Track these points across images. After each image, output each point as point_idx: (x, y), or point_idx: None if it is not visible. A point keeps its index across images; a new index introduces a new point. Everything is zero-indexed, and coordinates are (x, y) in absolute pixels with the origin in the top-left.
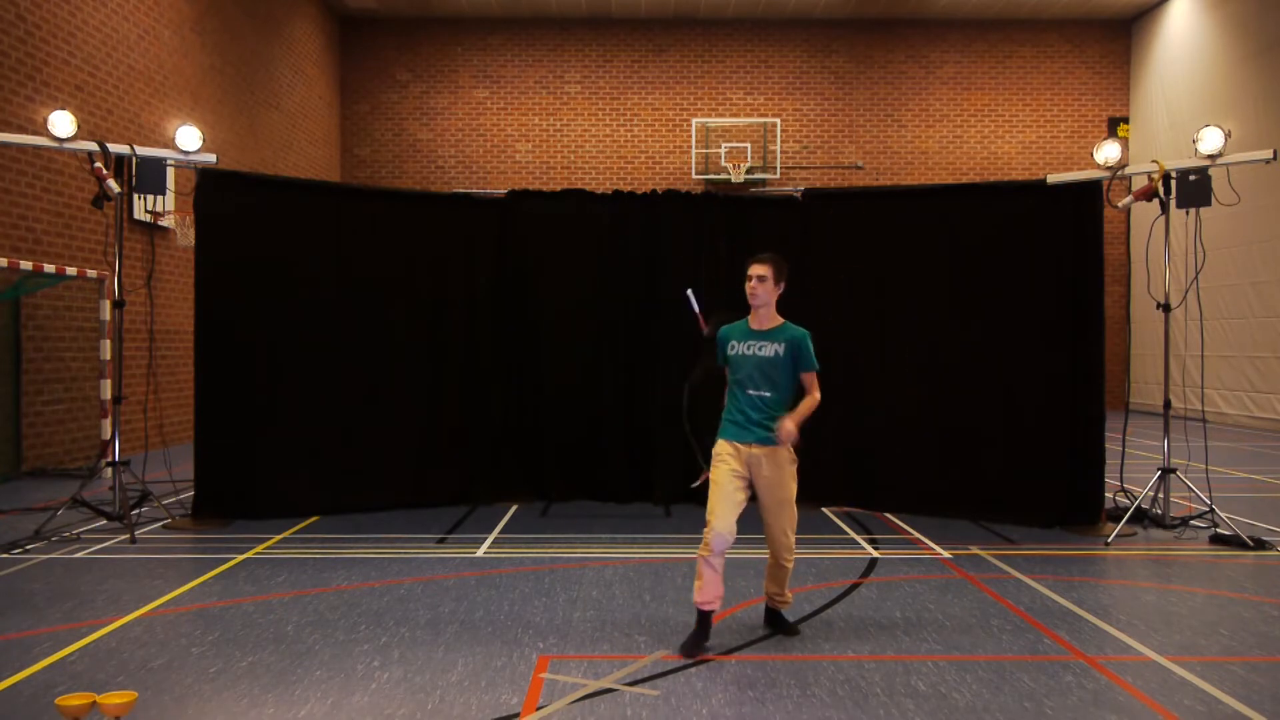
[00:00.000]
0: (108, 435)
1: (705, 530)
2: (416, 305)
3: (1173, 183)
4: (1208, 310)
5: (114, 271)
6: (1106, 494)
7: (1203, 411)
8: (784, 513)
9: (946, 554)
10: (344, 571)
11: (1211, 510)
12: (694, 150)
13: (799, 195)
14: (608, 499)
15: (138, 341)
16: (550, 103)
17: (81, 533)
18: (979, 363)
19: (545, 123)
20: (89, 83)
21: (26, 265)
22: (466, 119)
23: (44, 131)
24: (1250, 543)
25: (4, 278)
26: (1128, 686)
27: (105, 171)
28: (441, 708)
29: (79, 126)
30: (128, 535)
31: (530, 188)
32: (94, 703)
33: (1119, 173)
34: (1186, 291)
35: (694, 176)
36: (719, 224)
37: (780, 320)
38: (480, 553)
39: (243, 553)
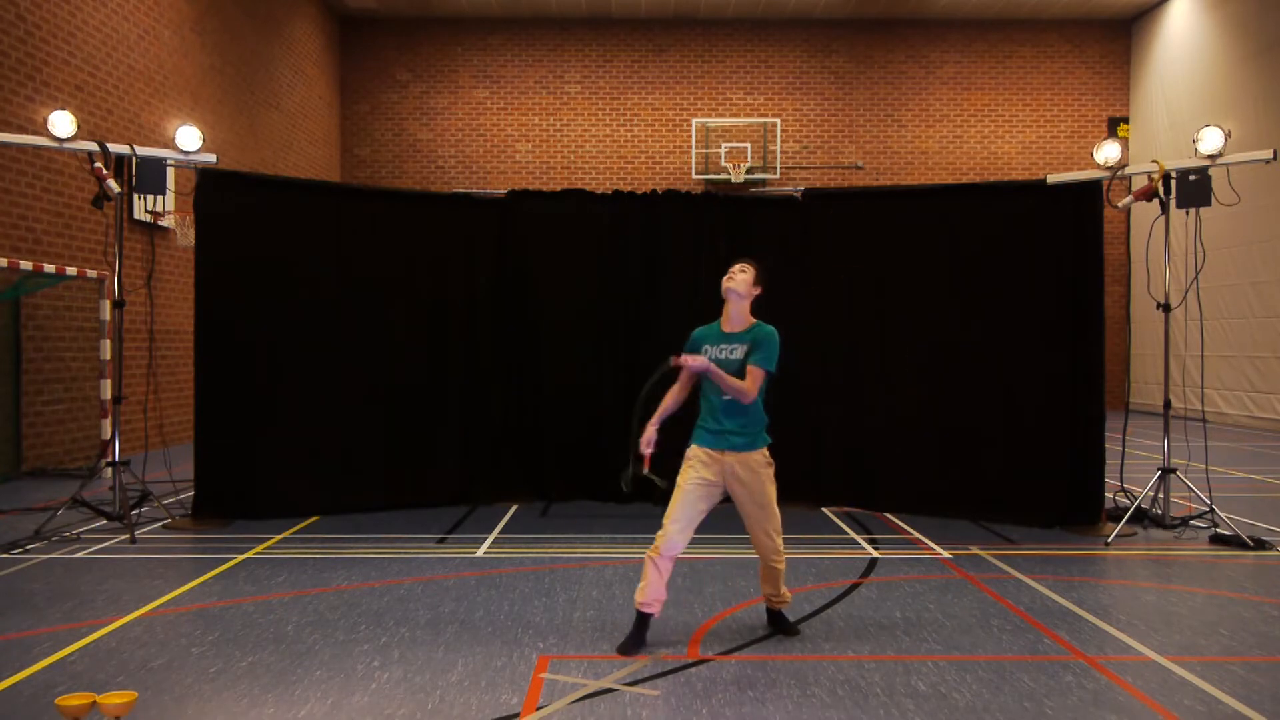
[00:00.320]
0: (108, 435)
1: (659, 533)
2: (416, 305)
3: (1173, 183)
4: (1208, 310)
5: (114, 271)
6: (1106, 494)
7: (1203, 411)
8: (765, 516)
9: (946, 554)
10: (344, 571)
11: (1211, 510)
12: (694, 150)
13: (799, 195)
14: (608, 499)
15: (138, 341)
16: (550, 103)
17: (81, 533)
18: (979, 363)
19: (545, 123)
20: (89, 83)
21: (26, 265)
22: (466, 119)
23: (44, 131)
24: (1250, 543)
25: (4, 278)
26: (1128, 686)
27: (105, 171)
28: (441, 708)
29: (79, 126)
30: (128, 535)
31: (530, 188)
32: (94, 703)
33: (1119, 173)
34: (1186, 291)
35: (694, 176)
36: (719, 224)
37: (752, 321)
38: (480, 553)
39: (243, 553)
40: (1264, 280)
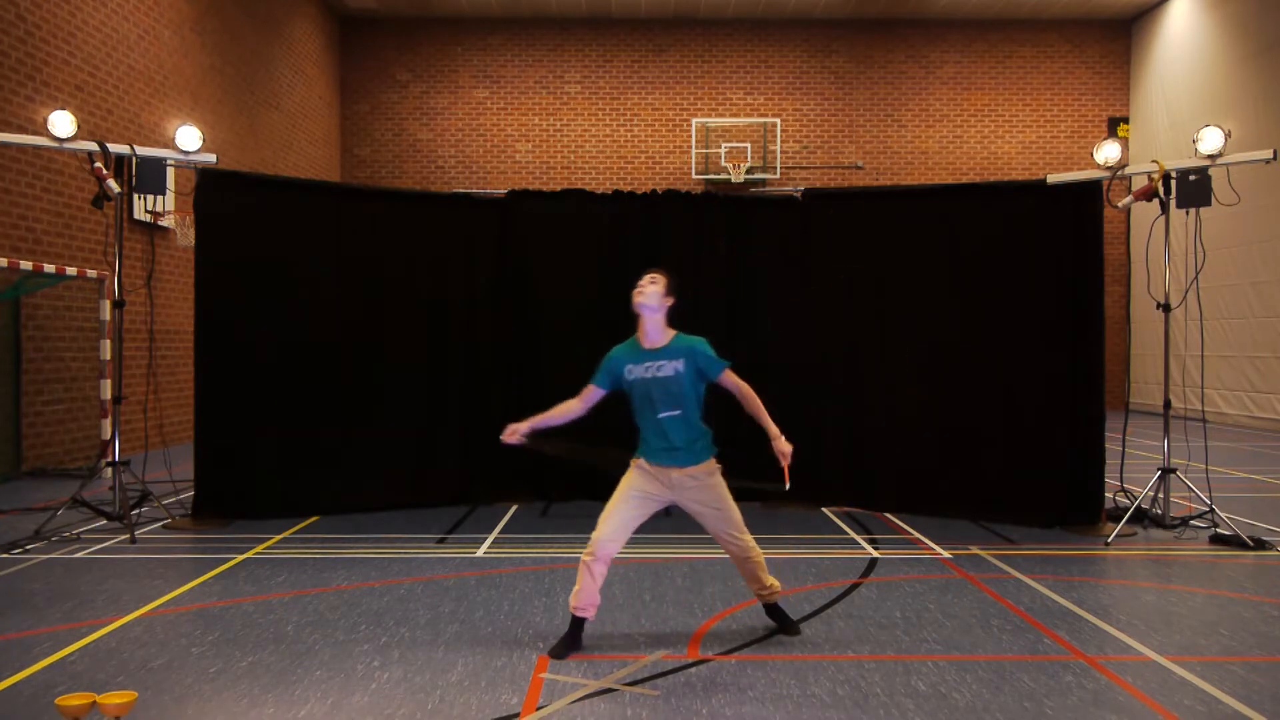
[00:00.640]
0: (108, 435)
1: (593, 535)
2: (416, 305)
3: (1173, 183)
4: (1208, 310)
5: (114, 271)
6: (1106, 494)
7: (1203, 411)
8: (725, 519)
9: (946, 554)
10: (344, 571)
11: (1211, 510)
12: (694, 150)
13: (799, 195)
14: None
15: (138, 341)
16: (550, 103)
17: (81, 533)
18: (979, 363)
19: (545, 123)
20: (89, 83)
21: (26, 265)
22: (466, 119)
23: (44, 131)
24: (1250, 543)
25: (4, 278)
26: (1128, 686)
27: (105, 171)
28: (441, 708)
29: (79, 126)
30: (128, 535)
31: (530, 188)
32: (94, 703)
33: (1119, 173)
34: (1186, 291)
35: (694, 176)
36: (719, 224)
37: (672, 333)
38: (480, 553)
39: (243, 553)
40: (1264, 280)
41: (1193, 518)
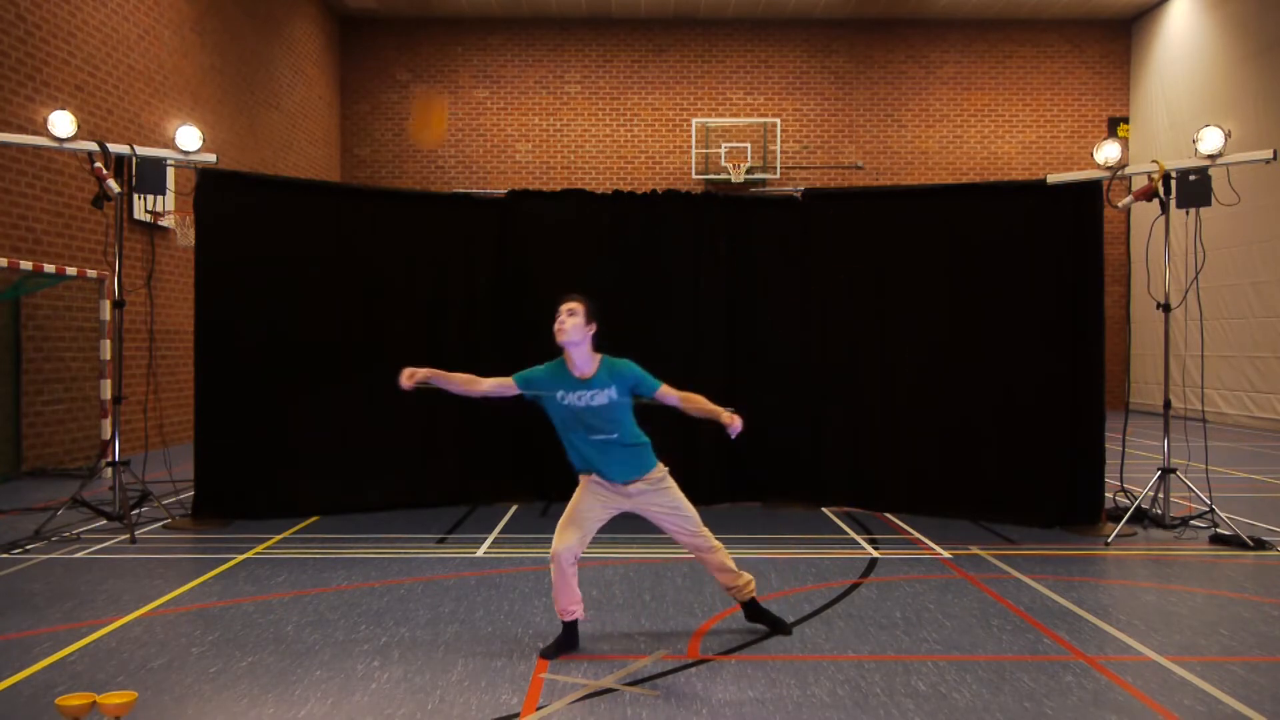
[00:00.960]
0: (108, 435)
1: (556, 538)
2: (416, 305)
3: (1173, 183)
4: (1208, 310)
5: (114, 271)
6: (1106, 494)
7: (1203, 411)
8: (682, 519)
9: (946, 554)
10: (344, 571)
11: (1211, 510)
12: (694, 150)
13: (799, 195)
14: None
15: (138, 341)
16: (550, 103)
17: (81, 533)
18: (979, 362)
19: (545, 123)
20: (89, 83)
21: (26, 265)
22: (466, 119)
23: (44, 131)
24: (1250, 543)
25: (4, 278)
26: (1128, 686)
27: (105, 171)
28: (441, 708)
29: (79, 126)
30: (128, 535)
31: (530, 188)
32: (94, 703)
33: (1119, 173)
34: (1186, 291)
35: (694, 176)
36: (719, 224)
37: (598, 357)
38: (480, 553)
39: (243, 553)
40: (1264, 280)
41: (1193, 518)
